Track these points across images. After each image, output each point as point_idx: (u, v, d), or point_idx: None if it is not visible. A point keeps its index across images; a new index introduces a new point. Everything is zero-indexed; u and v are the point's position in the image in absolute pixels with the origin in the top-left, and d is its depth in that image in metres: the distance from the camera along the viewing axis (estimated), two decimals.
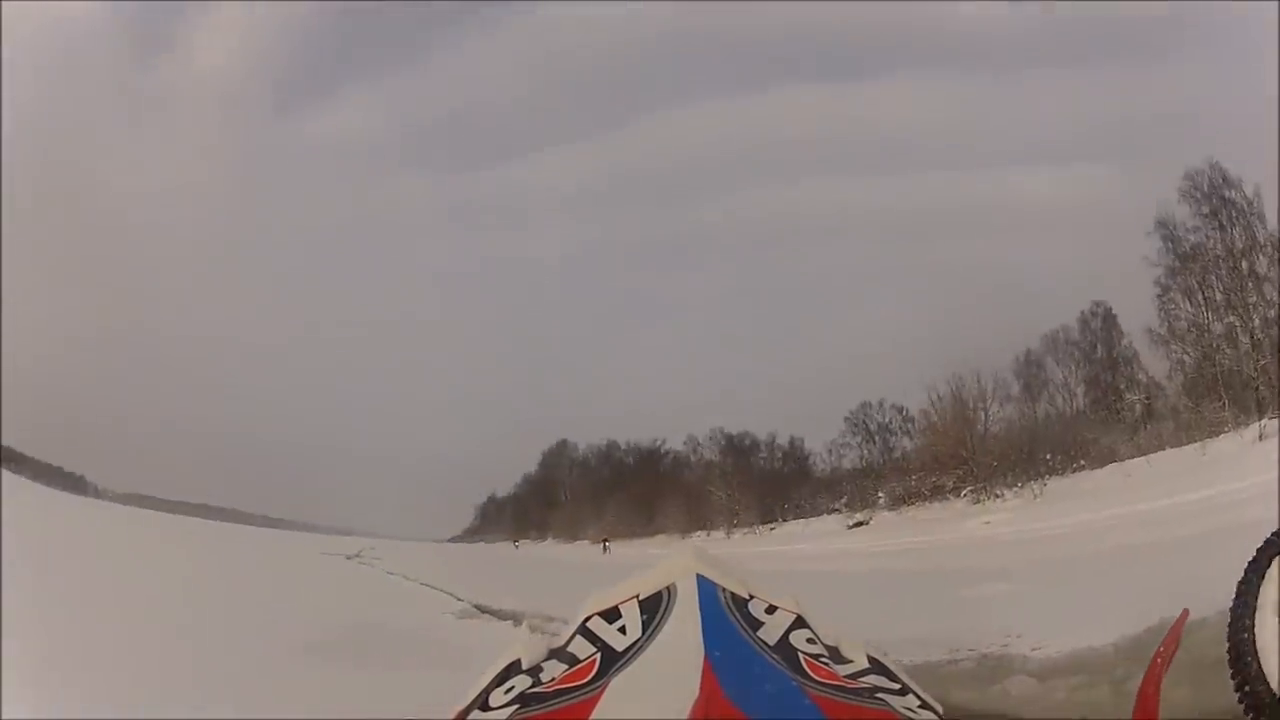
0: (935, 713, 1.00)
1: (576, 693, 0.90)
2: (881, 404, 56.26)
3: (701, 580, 1.09)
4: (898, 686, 1.04)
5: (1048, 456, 34.07)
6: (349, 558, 40.27)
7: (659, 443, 77.02)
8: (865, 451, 56.92)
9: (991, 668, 8.08)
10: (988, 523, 29.38)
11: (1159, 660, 3.74)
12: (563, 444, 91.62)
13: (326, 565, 33.50)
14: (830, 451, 60.01)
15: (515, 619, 16.29)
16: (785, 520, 54.07)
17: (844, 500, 51.60)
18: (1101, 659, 7.25)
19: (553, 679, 0.98)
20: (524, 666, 1.04)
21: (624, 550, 57.58)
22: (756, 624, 1.05)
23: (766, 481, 61.11)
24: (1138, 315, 33.49)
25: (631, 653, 0.98)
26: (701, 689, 0.80)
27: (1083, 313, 39.39)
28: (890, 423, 55.55)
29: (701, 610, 1.02)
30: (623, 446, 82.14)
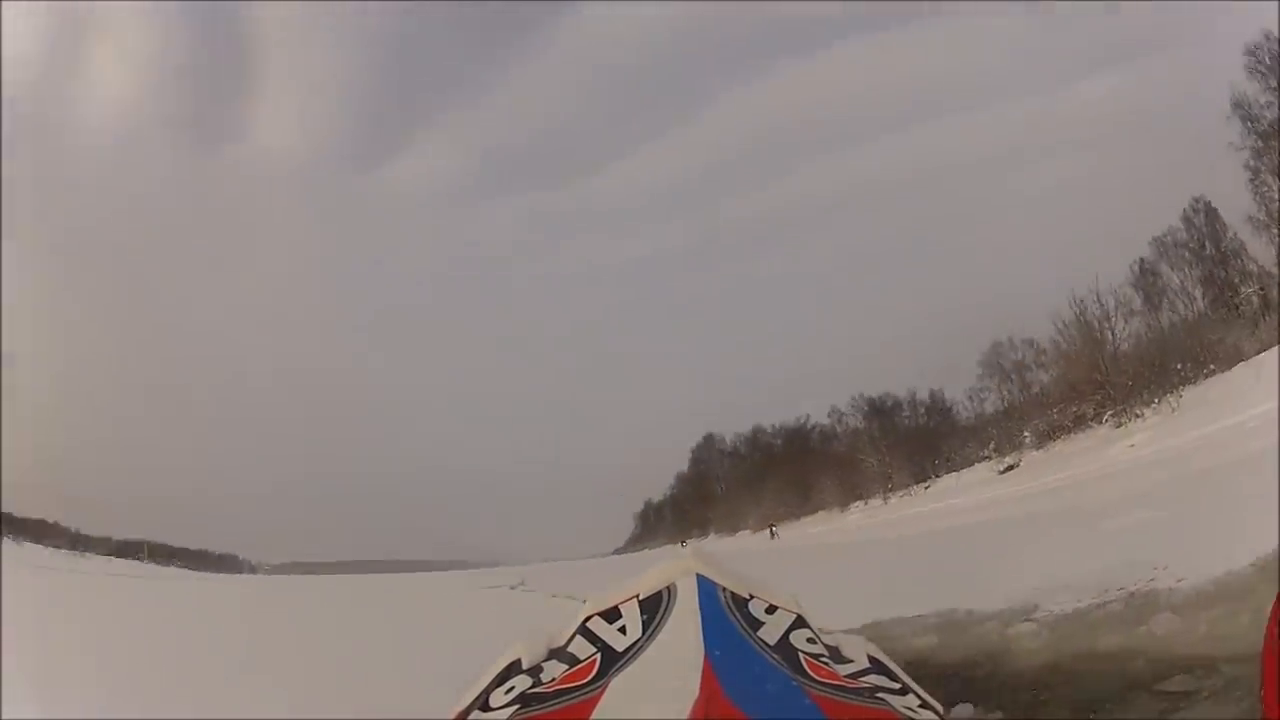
0: (935, 712, 0.96)
1: (577, 693, 0.90)
2: (1011, 341, 55.22)
3: (701, 580, 1.06)
4: (898, 686, 1.00)
5: (1178, 366, 32.97)
6: (512, 588, 40.66)
7: (803, 419, 76.88)
8: (1005, 392, 55.88)
9: (1138, 607, 7.92)
10: (1132, 445, 28.33)
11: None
12: (709, 438, 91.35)
13: (491, 599, 33.84)
14: (971, 399, 58.78)
15: None
16: (938, 476, 53.28)
17: (992, 446, 50.63)
18: (1241, 583, 7.11)
19: (553, 679, 0.96)
20: (524, 666, 1.02)
21: (787, 532, 57.38)
22: (757, 624, 1.02)
23: (914, 439, 60.28)
24: (1236, 204, 32.25)
25: (632, 653, 0.97)
26: (702, 689, 0.80)
27: (1184, 211, 38.14)
28: (1024, 359, 54.49)
29: (701, 610, 1.00)
30: (769, 430, 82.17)
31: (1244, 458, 13.94)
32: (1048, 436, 42.65)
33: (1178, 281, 36.90)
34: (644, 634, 0.98)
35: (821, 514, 61.71)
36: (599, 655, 0.96)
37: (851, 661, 1.05)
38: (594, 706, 0.84)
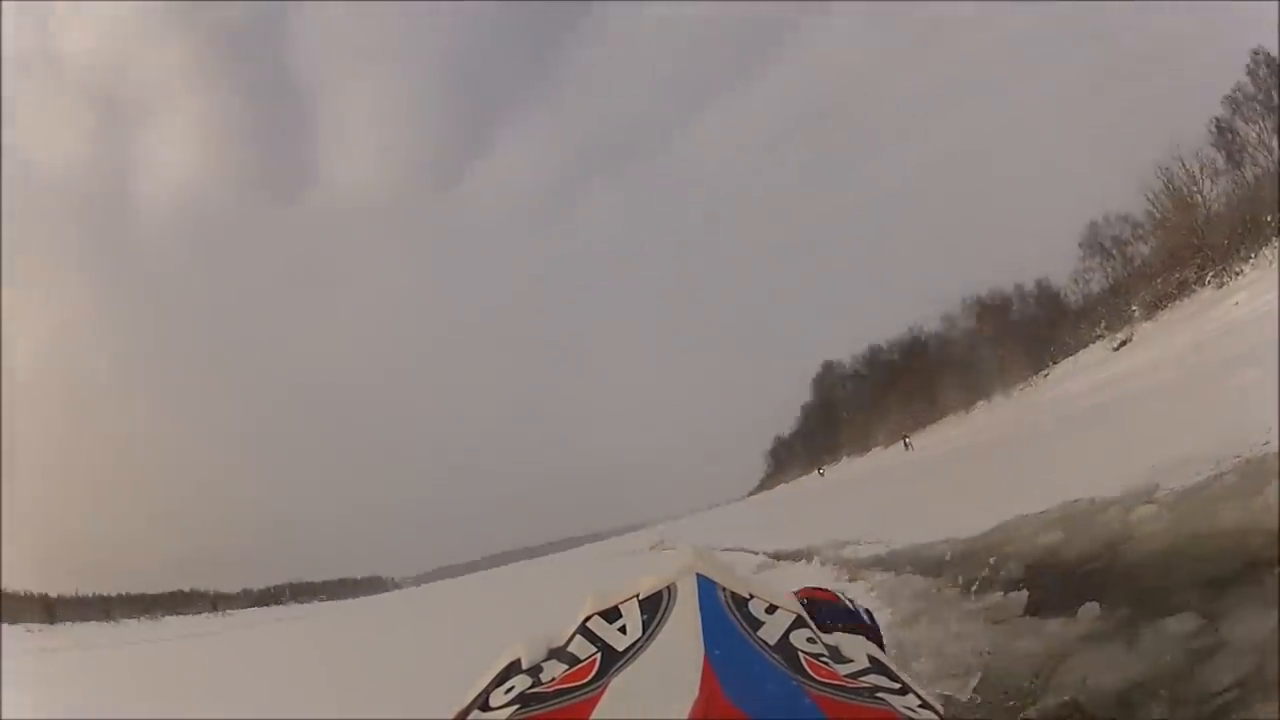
0: (935, 712, 0.89)
1: (577, 692, 0.87)
2: (1107, 219, 54.02)
3: (701, 580, 1.02)
4: (898, 686, 0.94)
5: (1269, 219, 31.78)
6: (651, 548, 41.06)
7: (916, 330, 77.06)
8: (1108, 270, 54.77)
9: (1253, 475, 7.62)
10: (1236, 303, 27.20)
11: None
12: (828, 365, 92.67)
13: (626, 564, 34.12)
14: (1076, 281, 58.34)
15: (807, 556, 16.28)
16: (1055, 363, 52.48)
17: (1103, 324, 49.61)
18: None
19: (553, 679, 0.93)
20: (524, 666, 0.99)
21: (919, 441, 56.74)
22: (757, 623, 0.97)
23: (1027, 331, 59.72)
24: None
25: (632, 653, 0.93)
26: (702, 689, 0.78)
27: (1247, 66, 36.57)
28: (1121, 234, 53.23)
29: (701, 610, 0.96)
30: (885, 347, 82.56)
31: None
32: (1155, 307, 41.76)
33: (1254, 135, 35.42)
34: (644, 634, 0.96)
35: (950, 417, 61.52)
36: (599, 655, 0.94)
37: (851, 661, 0.98)
38: (594, 706, 0.82)
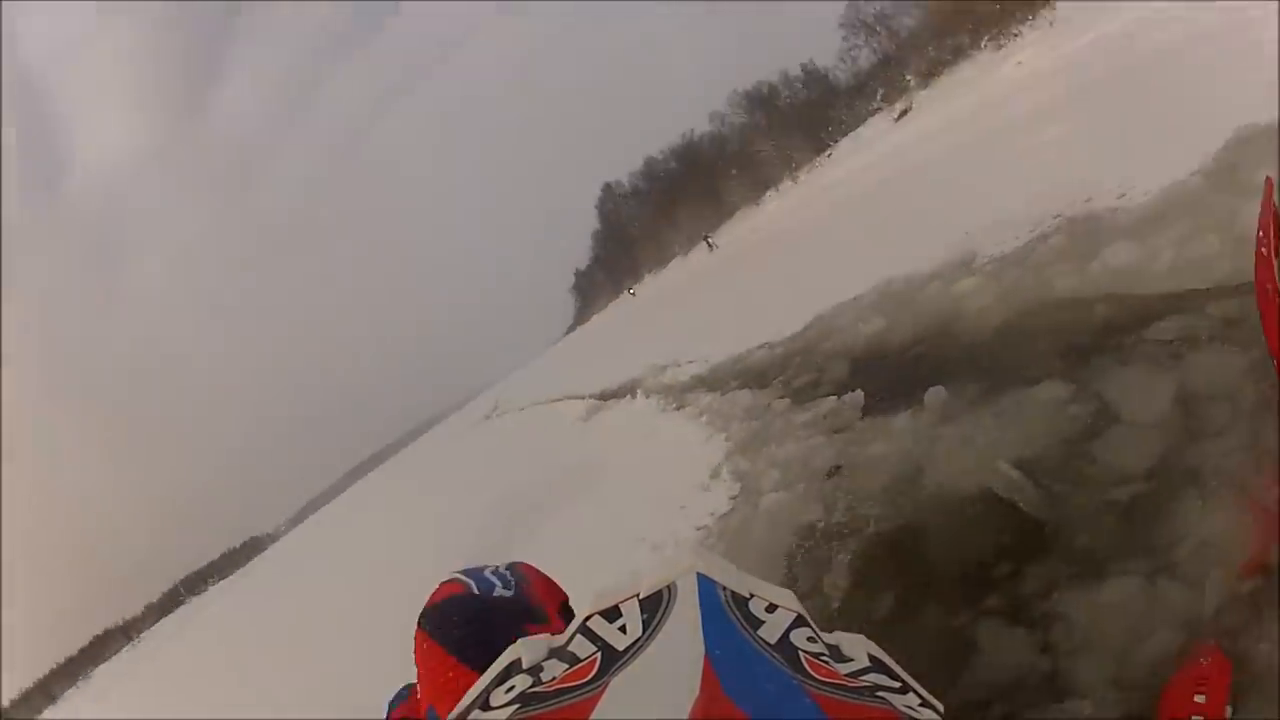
0: (936, 711, 0.87)
1: (577, 692, 0.83)
2: None
3: (701, 579, 0.95)
4: (898, 685, 0.90)
5: None
6: (487, 418, 41.43)
7: (689, 134, 77.93)
8: (875, 45, 55.63)
9: (1084, 235, 7.19)
10: (1020, 63, 27.48)
11: (1262, 250, 2.83)
12: (607, 187, 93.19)
13: (490, 430, 33.91)
14: (843, 59, 59.25)
15: (631, 391, 16.07)
16: (836, 142, 53.53)
17: (879, 96, 50.65)
18: (1191, 195, 6.28)
19: (553, 678, 0.88)
20: (524, 666, 0.93)
21: (718, 241, 57.47)
22: (757, 623, 0.92)
23: (801, 115, 60.87)
24: None
25: (632, 652, 0.87)
26: (702, 688, 0.74)
27: None
28: (883, 10, 53.87)
29: (701, 609, 0.91)
30: (660, 156, 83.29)
31: (1138, 62, 13.14)
32: (930, 75, 42.80)
33: None
34: (644, 633, 0.90)
35: (739, 213, 62.74)
36: (599, 654, 0.89)
37: (851, 660, 0.93)
38: (594, 706, 0.78)
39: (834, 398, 7.69)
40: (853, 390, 7.51)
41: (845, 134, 52.22)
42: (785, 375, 9.86)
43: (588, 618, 0.99)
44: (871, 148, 36.39)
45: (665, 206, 77.36)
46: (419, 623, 1.17)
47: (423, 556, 12.01)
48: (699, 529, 6.71)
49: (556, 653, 0.96)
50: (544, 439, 18.89)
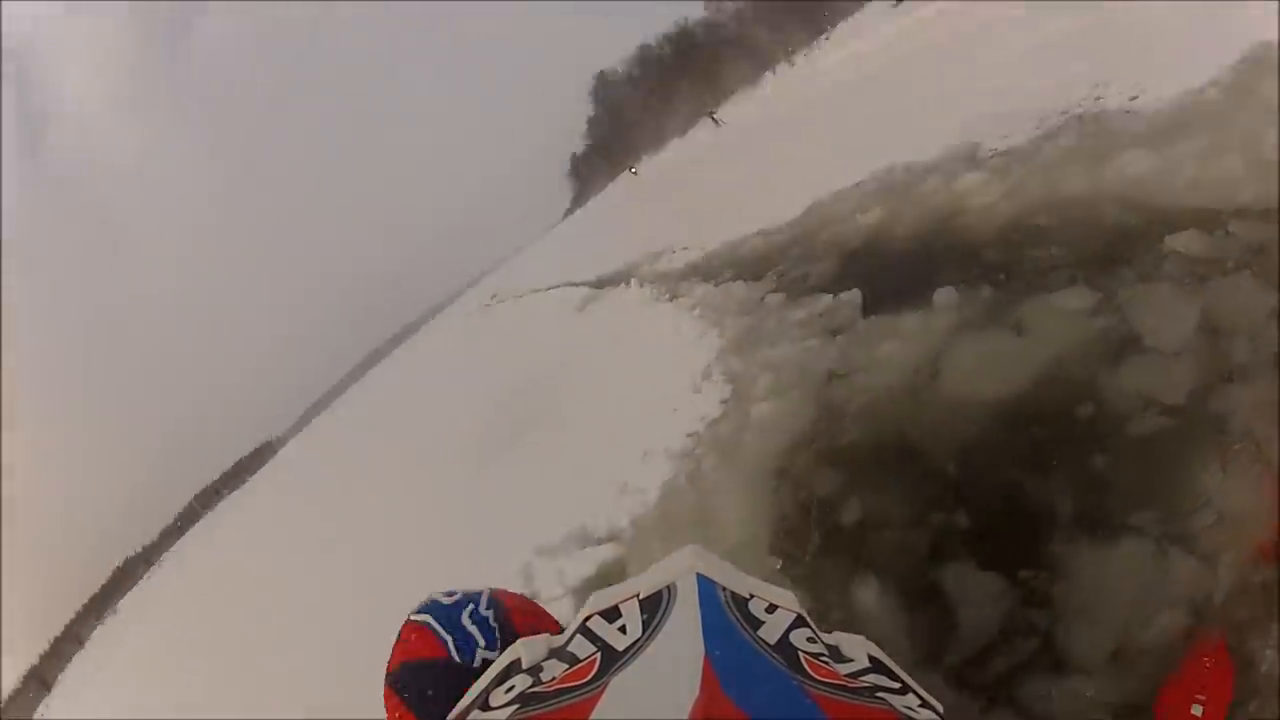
0: (935, 711, 0.88)
1: (576, 692, 0.84)
2: None
3: (701, 579, 0.98)
4: (898, 685, 0.93)
5: None
6: (487, 305, 41.13)
7: (682, 21, 76.73)
8: None
9: (1094, 135, 6.86)
10: None
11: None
12: (601, 75, 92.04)
13: (488, 320, 33.63)
14: None
15: (625, 279, 15.87)
16: (834, 26, 52.29)
17: None
18: (1211, 109, 5.89)
19: (553, 678, 0.90)
20: (524, 666, 0.96)
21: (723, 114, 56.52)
22: (757, 623, 0.94)
23: None
24: None
25: (632, 652, 0.89)
26: (702, 688, 0.76)
27: None
28: None
29: (701, 609, 0.93)
30: (654, 44, 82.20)
31: None
32: None
33: None
34: (644, 633, 0.91)
35: (738, 94, 61.70)
36: (599, 655, 0.90)
37: (851, 661, 0.97)
38: (594, 706, 0.78)
39: (830, 296, 7.44)
40: (849, 289, 7.25)
41: (843, 18, 51.08)
42: (779, 266, 9.61)
43: (587, 618, 0.99)
44: (872, 33, 35.40)
45: (661, 91, 76.57)
46: (390, 682, 1.08)
47: (429, 451, 12.55)
48: (689, 435, 6.52)
49: (556, 653, 0.97)
50: (539, 332, 18.57)
